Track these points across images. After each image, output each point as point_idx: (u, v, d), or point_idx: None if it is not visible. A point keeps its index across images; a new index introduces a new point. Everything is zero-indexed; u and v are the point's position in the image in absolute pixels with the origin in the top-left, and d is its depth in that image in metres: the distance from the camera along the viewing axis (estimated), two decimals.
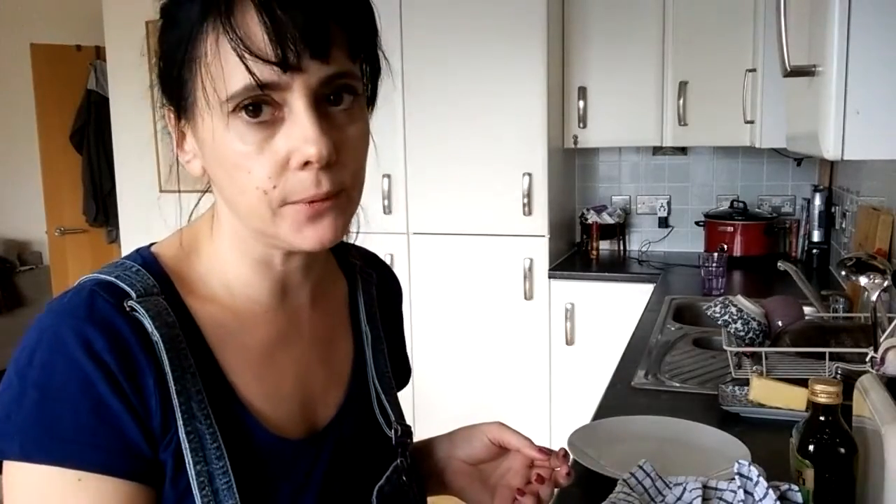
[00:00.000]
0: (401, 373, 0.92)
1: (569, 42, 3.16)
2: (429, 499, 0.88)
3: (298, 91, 0.59)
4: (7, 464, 0.60)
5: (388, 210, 3.18)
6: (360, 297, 0.83)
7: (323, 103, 0.61)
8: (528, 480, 0.80)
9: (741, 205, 3.18)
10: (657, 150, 3.44)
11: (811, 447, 0.88)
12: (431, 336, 3.14)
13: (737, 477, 0.86)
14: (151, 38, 0.66)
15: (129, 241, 3.54)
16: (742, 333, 1.60)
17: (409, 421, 0.85)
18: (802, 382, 1.20)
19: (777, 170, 3.33)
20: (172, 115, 0.66)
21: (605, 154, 3.55)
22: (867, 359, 1.25)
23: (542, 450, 0.80)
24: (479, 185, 3.07)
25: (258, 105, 0.60)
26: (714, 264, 2.60)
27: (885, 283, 1.46)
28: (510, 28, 2.95)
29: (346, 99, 0.63)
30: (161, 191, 3.26)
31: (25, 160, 4.54)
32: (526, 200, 3.02)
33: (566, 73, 3.19)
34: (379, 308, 0.85)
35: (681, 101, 3.03)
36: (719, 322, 1.62)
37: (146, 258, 0.69)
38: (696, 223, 3.34)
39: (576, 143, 3.22)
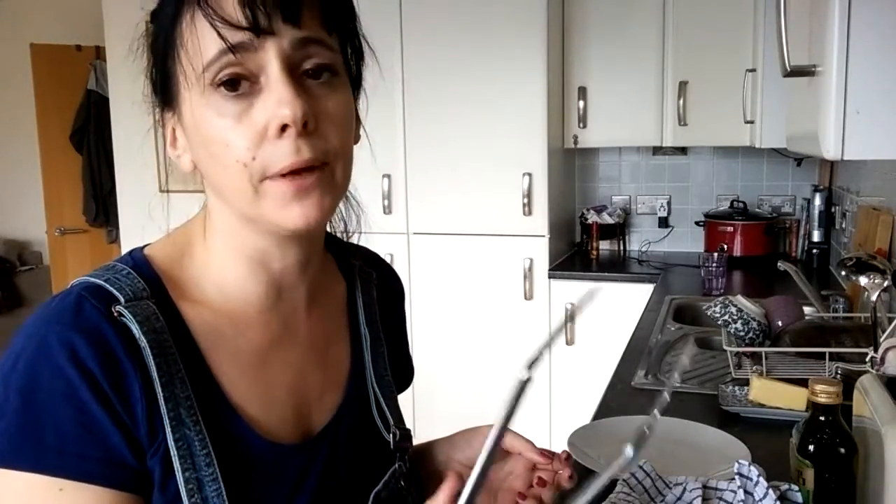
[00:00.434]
0: (403, 374, 0.91)
1: (569, 42, 3.16)
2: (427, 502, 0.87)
3: (272, 55, 0.60)
4: None
5: (388, 210, 3.18)
6: (359, 299, 0.82)
7: (300, 75, 0.62)
8: (530, 484, 0.79)
9: (741, 205, 3.18)
10: (657, 150, 3.44)
11: (811, 447, 0.88)
12: (431, 336, 3.14)
13: (737, 477, 0.86)
14: (141, 40, 0.67)
15: (129, 241, 3.53)
16: (742, 333, 1.60)
17: (408, 421, 0.85)
18: (802, 382, 1.20)
19: (777, 170, 3.34)
20: (162, 113, 0.67)
21: (605, 154, 3.55)
22: (867, 359, 1.25)
23: (544, 453, 0.80)
24: (479, 185, 3.07)
25: (235, 80, 0.60)
26: (714, 264, 2.60)
27: (885, 283, 1.46)
28: (510, 28, 2.95)
29: (325, 75, 0.63)
30: (161, 191, 3.26)
31: (25, 160, 4.53)
32: (526, 200, 3.02)
33: (566, 73, 3.19)
34: (379, 309, 0.85)
35: (681, 101, 3.03)
36: (719, 322, 1.62)
37: (138, 260, 0.69)
38: (696, 223, 3.34)
39: (576, 143, 3.22)
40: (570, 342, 3.04)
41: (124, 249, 0.78)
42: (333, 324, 0.80)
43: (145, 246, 0.72)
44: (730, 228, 3.11)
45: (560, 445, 0.88)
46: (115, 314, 0.62)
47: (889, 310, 1.78)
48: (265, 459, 0.68)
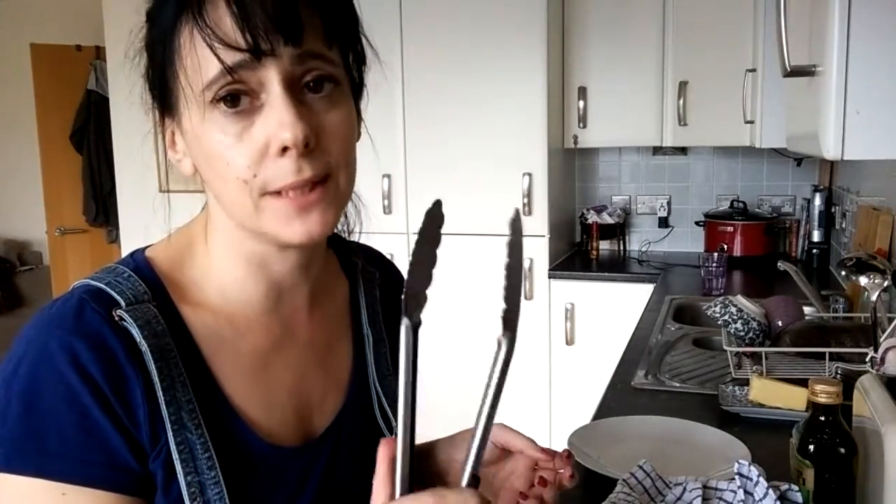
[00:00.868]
0: None
1: (569, 42, 3.16)
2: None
3: (273, 74, 0.59)
4: None
5: (388, 210, 3.18)
6: (361, 299, 0.82)
7: (301, 90, 0.61)
8: (531, 483, 0.79)
9: (741, 205, 3.18)
10: (657, 150, 3.44)
11: (811, 447, 0.87)
12: (431, 336, 3.14)
13: (737, 477, 0.86)
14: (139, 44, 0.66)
15: (129, 241, 3.54)
16: (742, 333, 1.60)
17: None
18: (802, 382, 1.20)
19: (777, 170, 3.33)
20: (161, 117, 0.66)
21: (605, 154, 3.55)
22: (867, 359, 1.25)
23: (545, 451, 0.80)
24: (479, 185, 3.07)
25: (236, 96, 0.60)
26: (714, 264, 2.60)
27: (885, 283, 1.46)
28: (510, 28, 2.95)
29: (327, 87, 0.62)
30: (161, 191, 3.26)
31: (25, 160, 4.53)
32: (526, 200, 3.02)
33: (566, 73, 3.19)
34: (383, 307, 0.84)
35: (681, 101, 3.03)
36: (719, 322, 1.62)
37: (139, 262, 0.69)
38: (696, 223, 3.34)
39: (576, 142, 3.22)
40: (570, 342, 3.04)
41: (124, 249, 0.78)
42: (335, 325, 0.79)
43: (147, 247, 0.72)
44: (730, 228, 3.11)
45: (560, 445, 0.88)
46: (116, 318, 0.62)
47: (889, 310, 1.78)
48: (266, 462, 0.68)
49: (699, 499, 0.87)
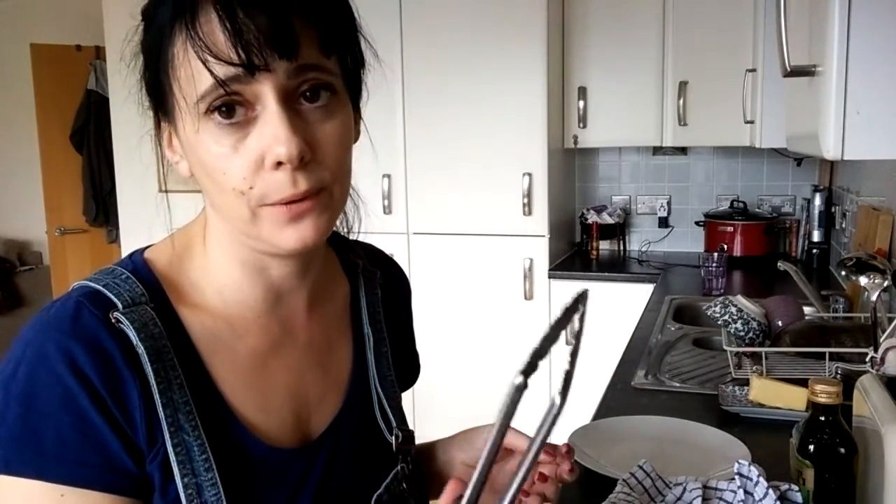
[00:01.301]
0: (409, 371, 0.91)
1: (569, 42, 3.16)
2: (431, 502, 0.87)
3: (268, 90, 0.59)
4: None
5: (388, 210, 3.18)
6: (362, 299, 0.82)
7: (296, 101, 0.61)
8: (532, 480, 0.79)
9: (741, 205, 3.18)
10: (657, 150, 3.44)
11: (811, 447, 0.87)
12: (431, 336, 3.14)
13: (737, 477, 0.86)
14: (132, 42, 0.65)
15: (129, 242, 3.54)
16: (742, 333, 1.60)
17: (409, 422, 0.84)
18: (802, 382, 1.20)
19: (777, 170, 3.34)
20: (158, 118, 0.66)
21: (605, 154, 3.55)
22: (867, 359, 1.25)
23: (546, 448, 0.80)
24: (479, 185, 3.07)
25: (231, 106, 0.59)
26: (714, 264, 2.60)
27: (885, 283, 1.46)
28: (510, 28, 2.95)
29: (324, 96, 0.62)
30: (161, 191, 3.26)
31: (25, 160, 4.53)
32: (526, 200, 3.02)
33: (566, 73, 3.19)
34: (384, 307, 0.84)
35: (681, 101, 3.03)
36: (719, 322, 1.62)
37: (137, 264, 0.69)
38: (696, 223, 3.34)
39: (576, 142, 3.22)
40: (569, 342, 3.03)
41: (124, 249, 0.78)
42: (335, 325, 0.79)
43: (146, 248, 0.72)
44: (730, 228, 3.11)
45: (562, 443, 0.88)
46: (113, 321, 0.62)
47: (889, 310, 1.78)
48: (265, 464, 0.68)
49: (699, 499, 0.87)
